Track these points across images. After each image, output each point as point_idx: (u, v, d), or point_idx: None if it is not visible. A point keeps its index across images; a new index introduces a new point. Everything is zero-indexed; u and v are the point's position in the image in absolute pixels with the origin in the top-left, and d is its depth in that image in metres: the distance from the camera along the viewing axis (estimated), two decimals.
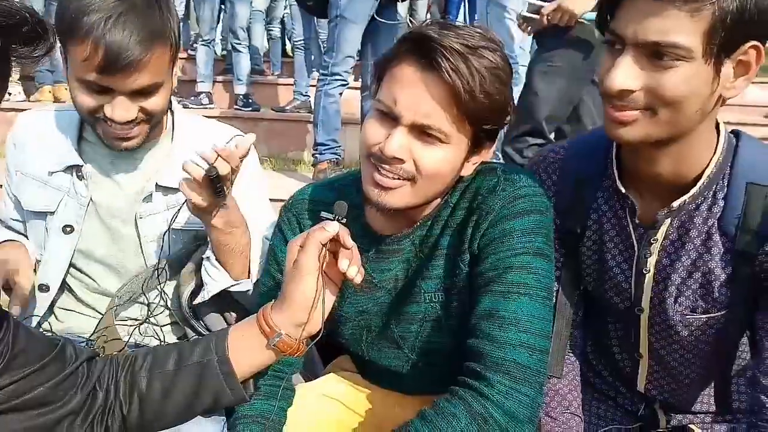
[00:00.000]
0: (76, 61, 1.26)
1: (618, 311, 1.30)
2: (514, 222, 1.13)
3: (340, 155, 4.05)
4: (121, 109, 1.30)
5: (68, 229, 1.46)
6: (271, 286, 1.33)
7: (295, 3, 4.88)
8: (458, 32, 1.07)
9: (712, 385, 1.31)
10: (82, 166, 1.45)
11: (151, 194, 1.48)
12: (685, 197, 1.14)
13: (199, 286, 1.46)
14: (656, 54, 0.99)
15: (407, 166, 1.11)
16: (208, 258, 1.43)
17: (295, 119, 5.48)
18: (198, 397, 1.09)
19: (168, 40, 1.30)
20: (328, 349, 1.52)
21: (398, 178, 1.12)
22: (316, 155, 3.95)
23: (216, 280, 1.41)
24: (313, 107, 4.12)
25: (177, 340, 1.57)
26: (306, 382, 1.49)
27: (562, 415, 1.29)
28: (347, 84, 4.00)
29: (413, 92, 1.08)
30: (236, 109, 5.82)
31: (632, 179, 1.21)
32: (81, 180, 1.46)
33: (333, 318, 1.31)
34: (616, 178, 1.22)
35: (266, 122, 5.32)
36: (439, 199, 1.23)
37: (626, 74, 1.01)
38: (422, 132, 1.09)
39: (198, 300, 1.45)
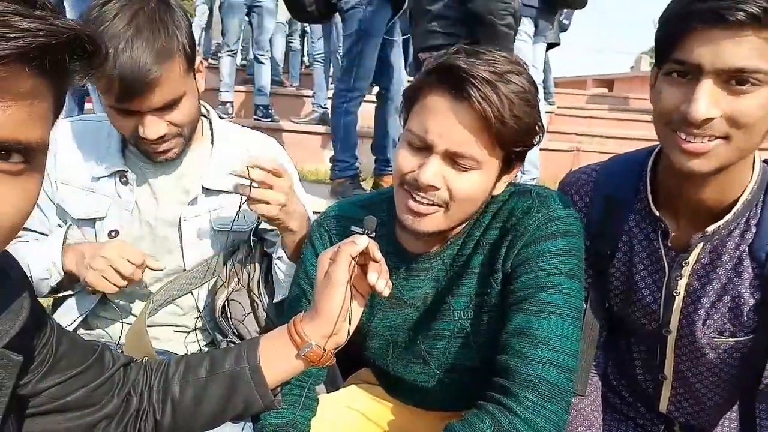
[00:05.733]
0: (101, 92, 1.31)
1: (644, 332, 1.31)
2: (548, 243, 1.15)
3: (357, 169, 4.09)
4: (151, 128, 1.34)
5: (113, 233, 1.49)
6: (298, 295, 1.36)
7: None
8: (485, 59, 1.09)
9: (736, 408, 1.31)
10: (126, 171, 1.49)
11: (196, 197, 1.53)
12: (720, 223, 1.16)
13: (235, 290, 1.53)
14: (735, 80, 0.99)
15: (441, 193, 1.14)
16: (280, 258, 1.52)
17: (313, 131, 5.53)
18: (229, 404, 1.11)
19: (178, 52, 1.33)
20: (346, 361, 1.54)
21: (432, 204, 1.15)
22: (335, 171, 3.98)
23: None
24: (330, 122, 4.14)
25: (205, 346, 1.60)
26: (328, 393, 1.51)
27: None
28: (365, 97, 4.04)
29: (445, 122, 1.10)
30: (255, 119, 5.89)
31: (666, 203, 1.23)
32: (125, 185, 1.50)
33: (360, 332, 1.33)
34: (650, 201, 1.23)
35: (285, 133, 5.38)
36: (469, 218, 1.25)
37: (708, 103, 1.00)
38: (455, 159, 1.12)
39: (278, 299, 1.56)
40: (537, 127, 1.16)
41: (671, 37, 1.05)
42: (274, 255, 1.56)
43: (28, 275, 1.39)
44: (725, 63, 0.98)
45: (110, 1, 1.27)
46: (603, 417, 1.37)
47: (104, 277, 1.39)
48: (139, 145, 1.41)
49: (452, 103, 1.09)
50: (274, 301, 1.58)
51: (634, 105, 8.60)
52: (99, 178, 1.49)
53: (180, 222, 1.52)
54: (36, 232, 1.51)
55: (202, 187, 1.53)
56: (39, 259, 1.43)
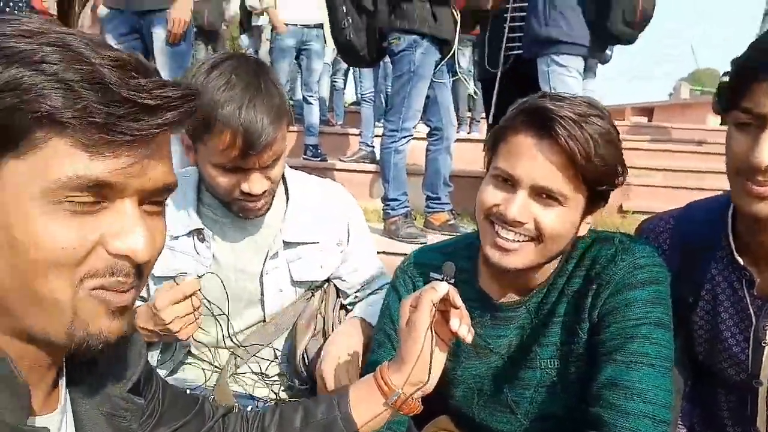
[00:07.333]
0: (212, 150, 1.36)
1: (732, 383, 1.29)
2: (634, 292, 1.16)
3: (409, 207, 4.13)
4: (257, 184, 1.40)
5: None
6: (383, 341, 1.39)
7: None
8: (569, 102, 1.14)
9: None
10: (203, 229, 1.53)
11: (277, 252, 1.56)
12: None
13: (313, 338, 1.57)
14: None
15: (529, 227, 1.16)
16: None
17: (362, 170, 5.60)
18: None
19: (286, 113, 1.41)
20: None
21: (519, 240, 1.17)
22: (388, 210, 4.03)
23: None
24: (380, 162, 4.21)
25: (283, 391, 1.63)
26: None
27: None
28: (413, 136, 4.11)
29: (531, 158, 1.14)
30: (305, 159, 6.00)
31: (748, 251, 1.22)
32: (202, 242, 1.54)
33: (445, 379, 1.33)
34: (734, 250, 1.23)
35: (334, 172, 5.46)
36: (553, 266, 1.26)
37: None
38: (541, 194, 1.15)
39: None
40: (620, 168, 1.18)
41: (742, 86, 1.09)
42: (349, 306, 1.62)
43: None
44: None
45: (216, 68, 1.34)
46: None
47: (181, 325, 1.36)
48: (236, 202, 1.44)
49: (539, 141, 1.13)
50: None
51: (675, 135, 8.46)
52: (177, 237, 1.53)
53: (261, 275, 1.56)
54: None
55: (283, 242, 1.56)
56: None
